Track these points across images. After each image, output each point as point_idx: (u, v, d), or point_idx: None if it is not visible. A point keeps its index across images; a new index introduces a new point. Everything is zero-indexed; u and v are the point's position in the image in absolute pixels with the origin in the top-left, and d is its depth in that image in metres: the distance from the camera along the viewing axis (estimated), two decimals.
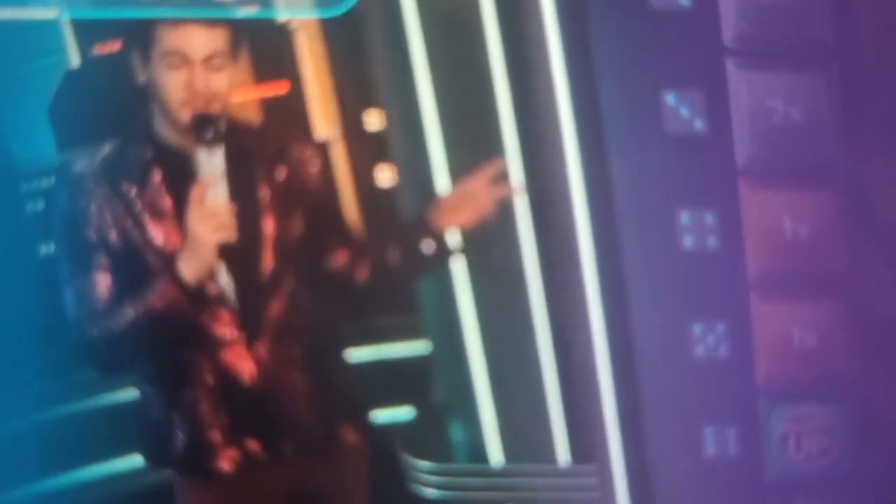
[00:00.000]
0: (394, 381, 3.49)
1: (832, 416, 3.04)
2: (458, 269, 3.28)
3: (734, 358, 3.04)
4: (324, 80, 3.38)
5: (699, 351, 3.06)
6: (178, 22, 2.85)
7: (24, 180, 3.18)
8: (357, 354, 3.47)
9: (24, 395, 3.18)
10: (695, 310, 3.04)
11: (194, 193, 2.85)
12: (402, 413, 3.53)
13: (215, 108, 2.89)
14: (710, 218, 2.96)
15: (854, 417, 3.04)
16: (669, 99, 2.89)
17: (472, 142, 3.19)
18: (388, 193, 3.35)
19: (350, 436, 3.14)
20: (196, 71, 2.86)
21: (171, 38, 2.86)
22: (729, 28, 2.81)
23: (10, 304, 3.02)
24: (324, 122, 3.39)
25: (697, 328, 3.04)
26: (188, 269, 2.89)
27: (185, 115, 2.89)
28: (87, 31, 3.14)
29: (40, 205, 3.11)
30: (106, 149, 2.97)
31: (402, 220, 3.26)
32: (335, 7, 2.96)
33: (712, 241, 2.97)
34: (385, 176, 3.33)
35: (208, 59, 2.87)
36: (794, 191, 2.89)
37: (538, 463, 3.36)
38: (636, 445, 3.21)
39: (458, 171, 3.19)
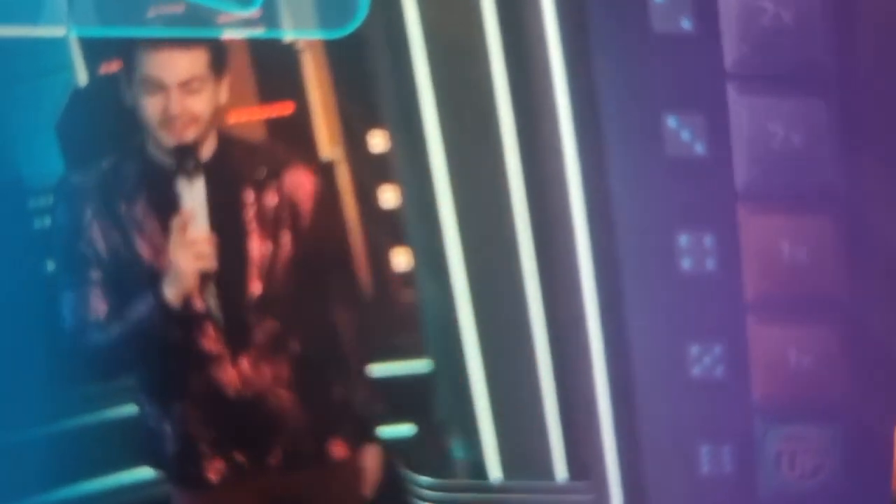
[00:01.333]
0: (395, 398, 3.44)
1: (826, 436, 3.00)
2: (460, 289, 3.25)
3: (730, 378, 3.00)
4: (328, 101, 3.36)
5: (696, 371, 3.02)
6: (154, 46, 2.80)
7: (31, 196, 3.15)
8: None
9: (28, 408, 3.14)
10: (692, 331, 3.00)
11: (176, 223, 2.85)
12: (403, 429, 3.52)
13: (195, 131, 2.85)
14: (708, 241, 2.91)
15: (847, 438, 3.00)
16: (671, 122, 2.84)
17: (475, 162, 3.14)
18: (391, 214, 3.31)
19: (338, 450, 3.08)
20: (172, 96, 2.81)
21: (148, 63, 2.81)
22: (731, 53, 2.76)
23: (16, 317, 2.98)
24: (328, 142, 3.37)
25: (694, 349, 3.00)
26: (171, 292, 2.87)
27: (165, 138, 2.85)
28: (93, 50, 3.12)
29: (46, 220, 3.07)
30: (102, 166, 2.94)
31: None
32: (340, 28, 2.90)
33: (710, 264, 2.93)
34: (388, 197, 3.31)
35: (185, 84, 2.82)
36: (793, 215, 2.85)
37: (536, 479, 3.34)
38: (633, 463, 3.18)
39: (461, 191, 3.15)
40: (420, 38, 3.07)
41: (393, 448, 3.40)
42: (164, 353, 2.96)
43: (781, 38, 2.72)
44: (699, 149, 2.84)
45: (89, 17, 2.89)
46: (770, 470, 3.04)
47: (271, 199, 2.91)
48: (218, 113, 2.90)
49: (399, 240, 3.35)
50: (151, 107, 2.81)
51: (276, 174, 2.94)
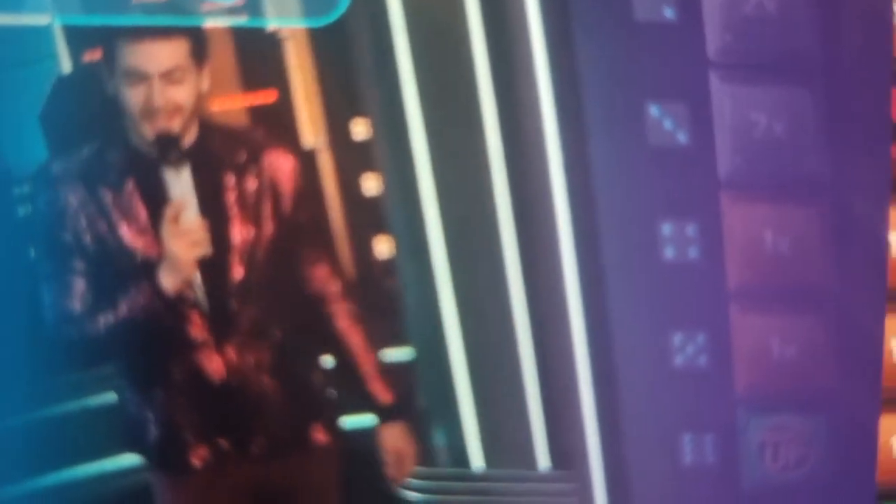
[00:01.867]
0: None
1: (809, 427, 2.98)
2: (442, 278, 3.23)
3: (713, 368, 2.98)
4: (311, 89, 3.35)
5: (678, 360, 2.99)
6: (135, 37, 2.76)
7: (15, 185, 3.11)
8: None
9: (9, 396, 3.11)
10: (675, 320, 2.97)
11: (168, 213, 2.82)
12: None
13: (179, 121, 2.82)
14: (691, 230, 2.89)
15: (831, 428, 2.98)
16: (653, 111, 2.81)
17: (457, 151, 3.13)
18: (373, 202, 3.29)
19: (320, 437, 3.06)
20: (154, 86, 2.77)
21: (129, 54, 2.77)
22: (713, 41, 2.74)
23: (2, 306, 2.95)
24: (311, 130, 3.37)
25: (677, 338, 2.98)
26: (167, 281, 2.85)
27: (147, 129, 2.82)
28: (77, 38, 3.08)
29: (29, 209, 3.04)
30: (84, 155, 2.88)
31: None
32: (324, 16, 2.87)
33: (693, 253, 2.90)
34: (371, 185, 3.30)
35: (167, 74, 2.78)
36: (776, 204, 2.83)
37: (518, 468, 3.32)
38: (615, 452, 3.15)
39: (444, 179, 3.13)
40: (403, 26, 3.06)
41: (374, 436, 3.35)
42: (149, 340, 2.93)
43: (765, 27, 2.70)
44: (682, 138, 2.82)
45: (73, 5, 2.86)
46: (753, 461, 3.01)
47: (251, 184, 2.89)
48: (200, 101, 2.86)
49: (381, 228, 3.31)
50: (134, 98, 2.78)
51: (255, 158, 2.92)
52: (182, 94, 2.80)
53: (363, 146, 3.30)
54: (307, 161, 3.16)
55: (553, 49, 2.95)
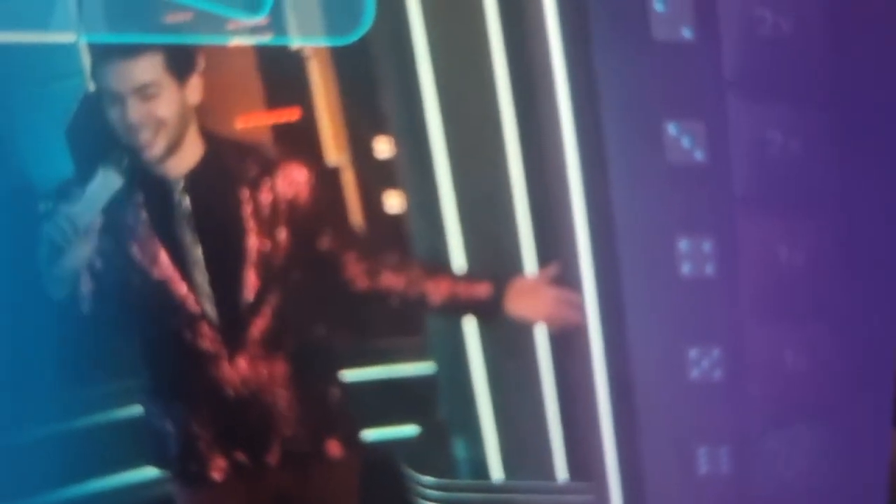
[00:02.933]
0: (400, 399, 3.49)
1: (822, 437, 2.97)
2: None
3: (728, 381, 2.97)
4: (335, 107, 3.35)
5: (694, 374, 2.98)
6: (105, 56, 2.69)
7: (41, 199, 3.11)
8: (365, 374, 3.51)
9: (33, 409, 3.11)
10: (691, 334, 2.96)
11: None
12: (407, 430, 3.54)
13: (164, 137, 2.71)
14: (708, 246, 2.88)
15: (843, 439, 2.97)
16: (671, 129, 2.80)
17: (480, 169, 3.14)
18: (396, 219, 3.29)
19: (335, 449, 3.03)
20: (128, 104, 2.70)
21: (101, 74, 2.71)
22: (730, 61, 2.72)
23: (22, 319, 2.94)
24: (334, 147, 3.36)
25: (693, 352, 2.97)
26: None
27: (134, 142, 2.73)
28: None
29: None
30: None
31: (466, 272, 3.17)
32: (347, 36, 2.87)
33: (710, 268, 2.89)
34: (394, 202, 3.29)
35: (139, 90, 2.70)
36: (791, 220, 2.82)
37: (537, 479, 3.34)
38: (632, 464, 3.15)
39: (465, 198, 3.14)
40: (425, 44, 3.06)
41: (397, 448, 3.44)
42: (165, 354, 2.90)
43: (780, 47, 2.69)
44: (699, 155, 2.81)
45: (99, 23, 2.86)
46: (767, 471, 3.00)
47: (266, 198, 2.85)
48: (187, 114, 2.77)
49: (405, 245, 3.30)
50: (113, 116, 2.71)
51: (269, 173, 2.86)
52: (161, 110, 2.71)
53: (386, 164, 3.31)
54: (330, 177, 3.16)
55: (573, 68, 2.95)
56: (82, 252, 2.68)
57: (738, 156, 2.78)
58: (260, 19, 2.86)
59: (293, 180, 2.83)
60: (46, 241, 2.66)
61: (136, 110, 2.67)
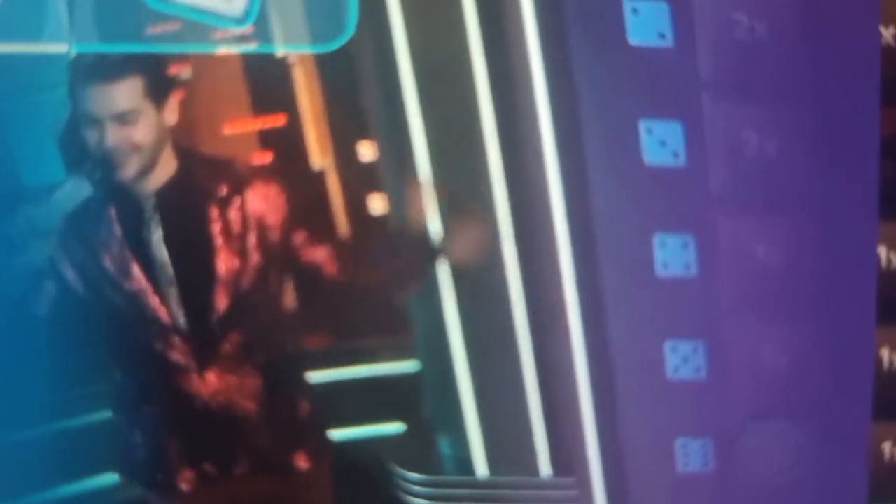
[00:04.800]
0: (385, 397, 3.48)
1: (803, 433, 2.96)
2: (446, 290, 3.23)
3: (709, 377, 2.97)
4: (319, 113, 3.34)
5: (675, 370, 2.98)
6: (87, 81, 2.67)
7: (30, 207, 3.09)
8: (349, 373, 3.50)
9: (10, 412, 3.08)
10: (671, 331, 2.96)
11: None
12: (392, 428, 3.53)
13: (139, 160, 2.68)
14: (686, 244, 2.88)
15: (824, 434, 2.96)
16: (648, 131, 2.80)
17: (460, 169, 3.13)
18: (380, 222, 3.30)
19: (304, 461, 3.00)
20: (107, 129, 2.67)
21: (82, 98, 2.69)
22: (705, 64, 2.71)
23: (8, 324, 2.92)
24: (319, 152, 3.35)
25: (673, 348, 2.97)
26: None
27: (109, 162, 2.69)
28: None
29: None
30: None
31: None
32: (330, 42, 2.85)
33: (689, 266, 2.89)
34: (377, 205, 3.29)
35: (119, 117, 2.67)
36: (768, 219, 2.82)
37: (521, 475, 3.32)
38: (615, 459, 3.16)
39: (447, 201, 3.04)
40: (407, 50, 3.04)
41: (382, 446, 3.43)
42: (136, 365, 2.87)
43: (755, 50, 2.69)
44: (676, 156, 2.81)
45: (90, 34, 2.84)
46: (749, 466, 3.00)
47: (236, 215, 2.83)
48: (163, 136, 2.74)
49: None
50: (90, 138, 2.68)
51: (239, 190, 2.82)
52: (138, 135, 2.68)
53: (370, 167, 3.31)
54: (308, 185, 3.15)
55: (552, 73, 2.94)
56: (37, 254, 2.66)
57: (714, 156, 2.77)
58: (245, 28, 2.85)
59: (263, 196, 2.80)
60: (2, 236, 2.64)
61: (113, 135, 2.65)
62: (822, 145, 2.73)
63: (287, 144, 3.34)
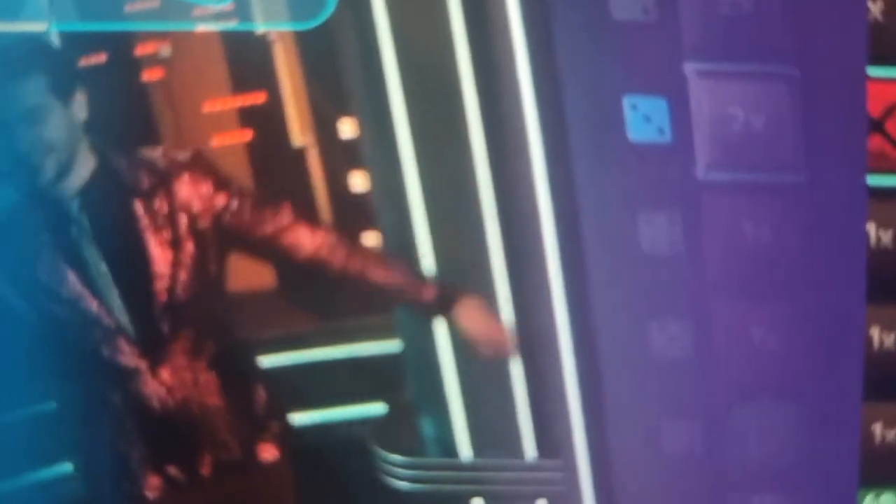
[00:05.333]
0: (367, 378, 3.45)
1: (792, 414, 2.94)
2: (430, 273, 3.17)
3: (695, 357, 2.94)
4: (300, 90, 3.33)
5: (660, 350, 2.96)
6: None
7: None
8: (331, 353, 3.47)
9: None
10: (657, 310, 2.94)
11: None
12: (374, 409, 3.49)
13: (55, 159, 2.62)
14: (671, 222, 2.85)
15: (813, 415, 2.94)
16: (632, 106, 2.77)
17: (442, 147, 3.09)
18: (361, 199, 3.29)
19: (268, 452, 2.96)
20: (17, 133, 2.60)
21: None
22: (690, 39, 2.68)
23: None
24: (299, 129, 3.34)
25: (658, 328, 2.94)
26: None
27: (26, 166, 2.64)
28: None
29: None
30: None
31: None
32: (310, 20, 2.82)
33: (674, 244, 2.86)
34: (358, 182, 3.27)
35: (25, 117, 2.60)
36: (755, 196, 2.78)
37: (506, 457, 3.29)
38: (600, 441, 3.14)
39: (429, 176, 3.09)
40: (387, 27, 3.01)
41: (365, 427, 3.39)
42: (85, 374, 2.81)
43: (740, 24, 2.65)
44: (661, 132, 2.78)
45: (70, 13, 2.80)
46: (735, 447, 2.99)
47: (162, 207, 2.79)
48: (75, 133, 2.67)
49: (369, 224, 3.29)
50: (5, 146, 2.61)
51: (162, 182, 2.76)
52: (49, 133, 2.62)
53: (350, 144, 3.29)
54: (296, 159, 3.14)
55: (534, 48, 2.90)
56: None
57: (700, 131, 2.74)
58: (225, 5, 2.82)
59: (189, 184, 2.75)
60: None
61: (24, 137, 2.58)
62: (808, 119, 2.68)
63: (267, 122, 3.33)
